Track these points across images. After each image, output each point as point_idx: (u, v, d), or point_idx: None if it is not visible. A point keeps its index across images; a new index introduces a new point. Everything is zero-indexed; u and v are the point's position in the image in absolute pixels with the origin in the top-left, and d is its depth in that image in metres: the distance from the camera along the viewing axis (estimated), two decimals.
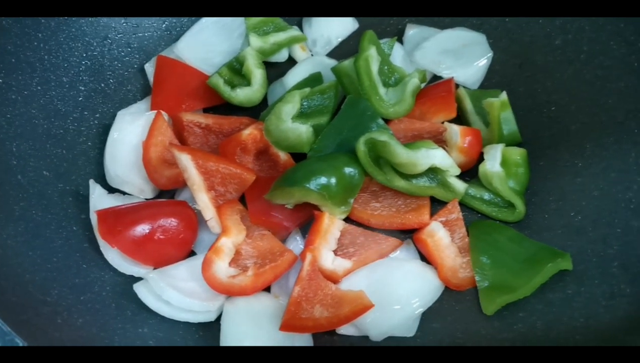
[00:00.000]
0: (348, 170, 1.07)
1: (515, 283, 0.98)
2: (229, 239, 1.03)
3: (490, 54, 1.25)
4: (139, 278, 1.05)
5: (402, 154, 1.04)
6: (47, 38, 1.16)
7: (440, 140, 1.14)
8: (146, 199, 1.15)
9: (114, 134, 1.17)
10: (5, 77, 1.09)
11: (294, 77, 1.27)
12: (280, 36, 1.30)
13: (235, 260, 1.03)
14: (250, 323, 0.99)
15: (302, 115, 1.16)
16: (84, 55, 1.22)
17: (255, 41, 1.28)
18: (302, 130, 1.12)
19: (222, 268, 1.01)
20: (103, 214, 1.06)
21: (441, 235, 1.04)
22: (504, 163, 1.09)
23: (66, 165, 1.13)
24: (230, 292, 1.00)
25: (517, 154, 1.10)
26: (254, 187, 1.10)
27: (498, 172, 1.07)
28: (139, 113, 1.21)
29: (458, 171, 1.08)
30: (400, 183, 1.07)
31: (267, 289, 1.05)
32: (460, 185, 1.09)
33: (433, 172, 1.08)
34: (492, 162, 1.08)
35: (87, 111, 1.20)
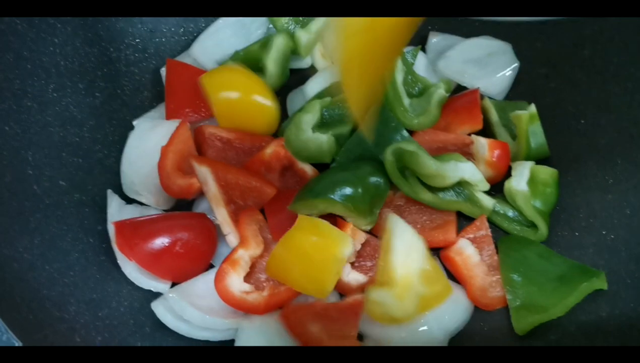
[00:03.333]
0: (373, 179, 1.03)
1: (547, 302, 0.96)
2: (247, 252, 1.00)
3: (516, 64, 1.22)
4: (157, 293, 1.02)
5: (431, 166, 1.01)
6: (63, 43, 1.13)
7: (466, 153, 1.11)
8: (164, 210, 1.12)
9: (133, 142, 1.15)
10: (21, 83, 1.06)
11: (314, 85, 1.23)
12: (318, 23, 1.26)
13: (249, 274, 1.01)
14: (265, 342, 0.96)
15: (323, 124, 1.14)
16: (100, 60, 1.19)
17: (303, 35, 1.24)
18: (323, 140, 1.10)
19: (237, 282, 0.98)
20: (120, 226, 1.03)
21: (470, 253, 1.01)
22: (532, 181, 1.06)
23: (82, 174, 1.11)
24: (241, 307, 0.98)
25: (547, 173, 1.07)
26: (275, 201, 1.07)
27: (523, 191, 1.05)
28: (159, 120, 1.18)
29: (487, 186, 1.05)
30: (426, 196, 1.04)
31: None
32: (487, 201, 1.06)
33: (460, 186, 1.05)
34: (519, 179, 1.05)
35: (103, 118, 1.18)
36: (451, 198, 1.05)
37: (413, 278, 0.95)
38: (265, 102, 1.15)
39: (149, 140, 1.14)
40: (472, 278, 1.00)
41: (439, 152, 1.10)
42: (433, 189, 1.05)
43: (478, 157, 1.09)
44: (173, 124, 1.13)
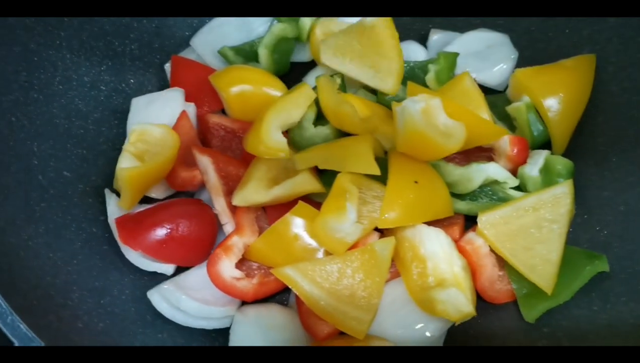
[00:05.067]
0: None
1: (554, 289, 0.97)
2: (241, 239, 1.03)
3: (515, 55, 1.23)
4: (158, 282, 1.04)
5: (453, 171, 1.03)
6: (70, 37, 1.15)
7: (483, 156, 1.12)
8: (162, 199, 1.15)
9: (132, 123, 1.17)
10: (28, 76, 1.08)
11: (314, 78, 1.25)
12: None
13: (241, 260, 1.03)
14: (259, 334, 0.99)
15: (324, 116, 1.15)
16: (106, 54, 1.22)
17: (307, 21, 1.26)
18: (328, 132, 1.11)
19: (228, 267, 1.01)
20: (122, 221, 1.06)
21: (480, 244, 1.02)
22: (547, 171, 1.07)
23: (86, 166, 1.13)
24: (230, 293, 1.01)
25: (562, 163, 1.07)
26: None
27: (534, 177, 1.06)
28: (154, 93, 1.22)
29: (516, 182, 1.06)
30: (460, 205, 1.05)
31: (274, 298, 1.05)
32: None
33: (489, 188, 1.07)
34: (532, 167, 1.07)
35: (108, 111, 1.20)
36: (487, 202, 1.06)
37: (462, 274, 0.98)
38: (276, 93, 1.17)
39: (147, 116, 1.16)
40: (482, 267, 1.02)
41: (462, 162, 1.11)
42: (465, 197, 1.07)
43: (500, 152, 1.09)
44: (168, 94, 1.16)
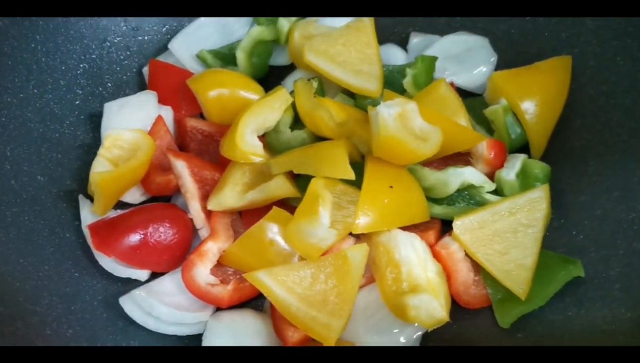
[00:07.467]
0: None
1: (529, 294, 0.97)
2: (215, 244, 1.02)
3: (494, 58, 1.23)
4: (132, 287, 1.03)
5: (429, 176, 1.03)
6: (45, 40, 1.15)
7: (461, 159, 1.11)
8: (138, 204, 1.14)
9: (105, 128, 1.15)
10: (1, 79, 1.08)
11: (292, 82, 1.24)
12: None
13: (217, 266, 1.03)
14: (232, 340, 0.98)
15: (300, 120, 1.14)
16: (82, 58, 1.21)
17: (285, 23, 1.25)
18: (304, 136, 1.11)
19: (203, 273, 1.00)
20: (95, 227, 1.05)
21: (455, 249, 1.01)
22: (524, 175, 1.07)
23: (61, 170, 1.12)
24: (205, 299, 1.00)
25: (539, 167, 1.07)
26: None
27: (511, 181, 1.06)
28: (126, 97, 1.20)
29: (493, 186, 1.06)
30: (436, 209, 1.05)
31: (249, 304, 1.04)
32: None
33: (467, 193, 1.06)
34: (509, 171, 1.07)
35: (84, 115, 1.19)
36: (464, 206, 1.06)
37: (436, 279, 0.98)
38: (254, 96, 1.17)
39: (121, 121, 1.15)
40: (456, 272, 1.01)
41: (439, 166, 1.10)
42: (442, 202, 1.06)
43: (477, 156, 1.09)
44: (141, 97, 1.16)
